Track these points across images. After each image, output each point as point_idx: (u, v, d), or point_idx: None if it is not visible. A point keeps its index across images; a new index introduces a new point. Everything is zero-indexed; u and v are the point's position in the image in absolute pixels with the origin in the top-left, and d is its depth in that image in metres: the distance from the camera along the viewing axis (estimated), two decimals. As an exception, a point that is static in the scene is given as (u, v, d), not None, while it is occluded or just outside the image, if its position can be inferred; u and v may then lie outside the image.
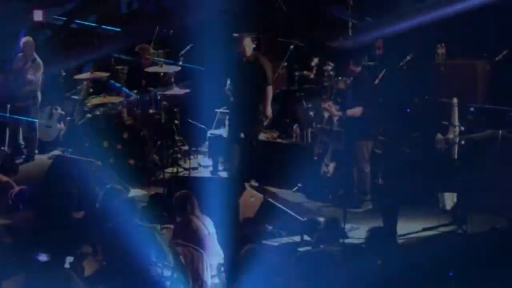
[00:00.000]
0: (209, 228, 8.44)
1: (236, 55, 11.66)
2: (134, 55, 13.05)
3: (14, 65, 13.02)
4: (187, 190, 8.75)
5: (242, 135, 11.72)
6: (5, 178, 10.04)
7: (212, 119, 13.06)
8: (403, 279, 7.72)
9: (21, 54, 13.03)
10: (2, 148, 12.48)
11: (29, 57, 12.96)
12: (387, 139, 11.33)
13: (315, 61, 12.78)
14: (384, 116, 11.42)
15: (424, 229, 9.90)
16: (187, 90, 12.41)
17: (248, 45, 11.55)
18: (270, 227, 9.79)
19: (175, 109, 12.38)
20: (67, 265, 7.47)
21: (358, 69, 10.93)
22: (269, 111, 11.56)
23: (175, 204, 8.58)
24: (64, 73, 13.62)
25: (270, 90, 11.55)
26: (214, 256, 8.32)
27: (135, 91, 12.57)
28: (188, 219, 8.41)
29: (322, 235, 8.08)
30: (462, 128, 10.13)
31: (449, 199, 10.30)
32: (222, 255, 8.42)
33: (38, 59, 13.04)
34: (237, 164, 11.83)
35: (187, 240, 8.24)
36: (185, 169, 12.32)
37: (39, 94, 13.11)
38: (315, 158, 11.51)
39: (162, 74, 12.52)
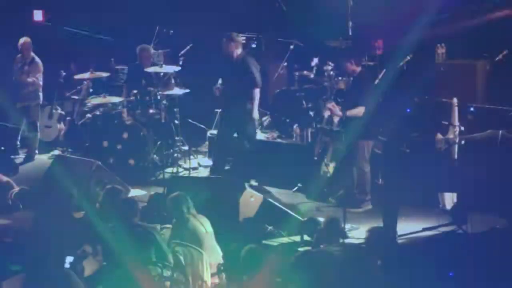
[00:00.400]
0: (206, 226, 8.45)
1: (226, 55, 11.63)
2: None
3: (14, 66, 13.02)
4: (181, 191, 8.75)
5: (235, 134, 11.71)
6: (5, 178, 10.05)
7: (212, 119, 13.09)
8: (403, 279, 7.74)
9: (19, 55, 13.02)
10: (2, 148, 12.48)
11: (28, 57, 12.96)
12: (387, 139, 11.32)
13: (315, 61, 12.78)
14: (384, 116, 11.41)
15: (424, 229, 9.89)
16: (187, 90, 12.40)
17: (233, 46, 11.48)
18: (270, 227, 9.80)
19: (175, 109, 12.38)
20: (67, 265, 7.46)
21: (358, 69, 10.93)
22: (255, 113, 11.51)
23: (170, 206, 8.57)
24: (64, 73, 13.62)
25: (257, 93, 11.44)
26: (213, 255, 8.32)
27: (135, 91, 12.56)
28: (185, 219, 8.41)
29: (322, 235, 8.07)
30: (462, 128, 10.12)
31: (449, 199, 10.30)
32: (221, 254, 8.42)
33: (37, 59, 13.04)
34: (234, 164, 11.86)
35: (186, 240, 8.25)
36: (185, 169, 12.33)
37: (40, 95, 13.11)
38: (315, 158, 11.51)
39: (162, 74, 12.52)
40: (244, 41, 13.96)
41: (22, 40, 12.98)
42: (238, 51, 11.50)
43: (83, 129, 12.69)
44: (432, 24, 11.98)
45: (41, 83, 13.07)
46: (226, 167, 12.05)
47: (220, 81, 11.89)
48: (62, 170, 10.74)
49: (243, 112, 11.42)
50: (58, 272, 7.12)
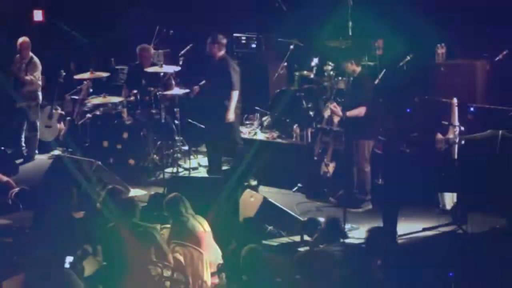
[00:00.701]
0: (204, 226, 8.46)
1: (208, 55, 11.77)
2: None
3: (12, 66, 13.02)
4: (179, 191, 8.76)
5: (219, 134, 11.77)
6: (5, 178, 10.05)
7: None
8: (403, 279, 7.74)
9: (18, 55, 13.03)
10: (2, 148, 12.49)
11: (26, 57, 12.96)
12: (387, 139, 11.32)
13: (315, 61, 12.77)
14: (384, 116, 11.41)
15: (424, 229, 9.90)
16: (187, 90, 12.41)
17: (215, 47, 11.58)
18: (270, 227, 9.80)
19: (175, 109, 12.38)
20: (67, 265, 7.46)
21: (358, 69, 10.93)
22: (229, 115, 11.54)
23: (168, 207, 8.58)
24: (64, 73, 13.62)
25: (234, 95, 11.53)
26: (212, 254, 8.33)
27: (135, 91, 12.57)
28: (184, 219, 8.42)
29: (322, 235, 8.08)
30: (462, 128, 10.12)
31: (449, 199, 10.30)
32: (220, 253, 8.44)
33: (35, 59, 13.05)
34: (233, 164, 11.90)
35: (185, 240, 8.26)
36: (185, 169, 12.33)
37: (39, 94, 13.12)
38: (315, 158, 11.52)
39: (162, 74, 12.52)
40: (244, 41, 14.02)
41: (21, 39, 12.99)
42: (221, 53, 11.64)
43: (83, 129, 12.69)
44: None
45: (40, 82, 13.08)
46: (225, 167, 12.08)
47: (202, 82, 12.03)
48: (62, 170, 10.75)
49: (222, 112, 11.49)
50: (58, 272, 7.12)
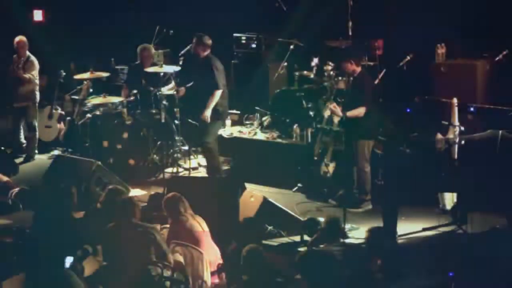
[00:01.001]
0: (203, 225, 8.47)
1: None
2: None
3: (10, 66, 13.02)
4: (179, 191, 8.77)
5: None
6: (5, 178, 10.06)
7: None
8: (403, 279, 7.74)
9: (15, 55, 13.03)
10: (2, 148, 12.49)
11: (23, 56, 12.96)
12: (387, 139, 11.32)
13: (315, 61, 12.77)
14: (384, 116, 11.42)
15: (424, 229, 9.90)
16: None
17: (200, 47, 11.65)
18: (270, 227, 9.80)
19: (175, 109, 12.38)
20: (67, 265, 7.46)
21: (358, 69, 10.93)
22: (205, 113, 11.57)
23: (167, 207, 8.58)
24: (64, 73, 13.62)
25: (217, 94, 11.56)
26: (211, 253, 8.34)
27: (135, 91, 12.58)
28: (183, 219, 8.43)
29: (322, 235, 8.08)
30: (462, 128, 10.12)
31: (449, 199, 10.30)
32: (219, 252, 8.44)
33: (32, 58, 13.05)
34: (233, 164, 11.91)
35: (185, 240, 8.26)
36: (185, 169, 12.33)
37: (37, 94, 13.12)
38: (315, 158, 11.52)
39: (162, 74, 12.51)
40: (244, 41, 14.02)
41: (18, 38, 13.00)
42: (205, 53, 11.68)
43: (83, 129, 12.69)
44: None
45: (37, 81, 13.09)
46: (224, 167, 12.09)
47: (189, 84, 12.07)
48: (62, 170, 10.75)
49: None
50: (58, 272, 7.12)
